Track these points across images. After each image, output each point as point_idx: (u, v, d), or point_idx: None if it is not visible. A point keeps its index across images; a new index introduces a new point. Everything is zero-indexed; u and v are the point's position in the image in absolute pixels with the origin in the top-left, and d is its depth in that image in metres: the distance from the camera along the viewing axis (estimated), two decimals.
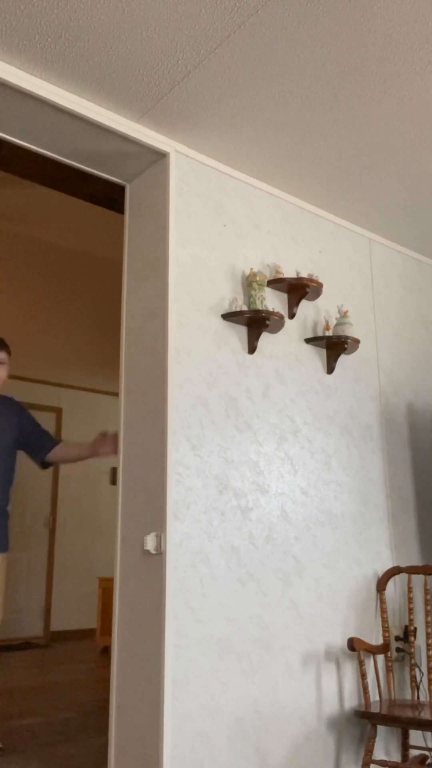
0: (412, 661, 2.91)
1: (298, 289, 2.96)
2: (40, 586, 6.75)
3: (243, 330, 2.80)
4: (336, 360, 3.08)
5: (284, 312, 2.99)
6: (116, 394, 7.43)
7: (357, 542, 3.00)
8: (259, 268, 2.94)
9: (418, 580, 3.19)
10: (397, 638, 3.00)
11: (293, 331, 3.01)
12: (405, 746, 2.84)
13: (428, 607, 2.86)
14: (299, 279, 2.92)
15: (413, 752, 2.97)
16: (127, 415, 2.67)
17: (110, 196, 3.09)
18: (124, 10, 2.10)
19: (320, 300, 3.16)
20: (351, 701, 2.80)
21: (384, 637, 2.89)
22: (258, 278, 2.78)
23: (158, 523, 2.39)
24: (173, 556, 2.35)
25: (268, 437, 2.77)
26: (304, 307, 3.07)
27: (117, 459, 2.66)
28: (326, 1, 2.07)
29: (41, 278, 4.74)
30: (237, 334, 2.78)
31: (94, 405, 7.59)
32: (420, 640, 3.08)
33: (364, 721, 2.79)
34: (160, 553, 2.35)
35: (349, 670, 2.82)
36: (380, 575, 3.04)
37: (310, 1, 2.07)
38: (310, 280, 2.93)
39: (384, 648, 2.86)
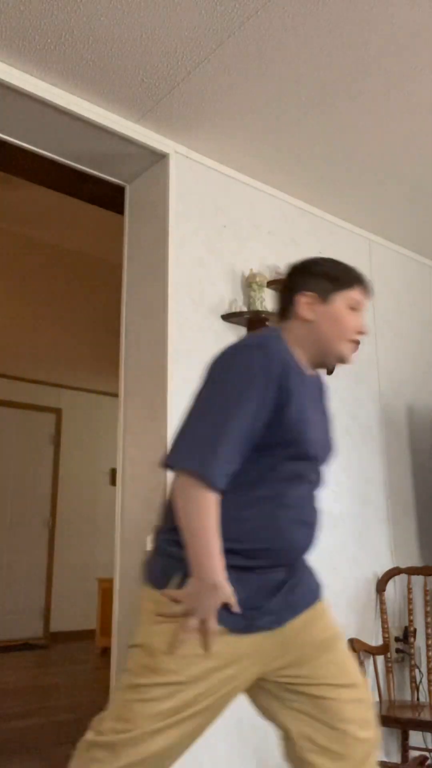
0: (412, 662, 2.90)
1: None
2: (40, 587, 6.74)
3: (243, 331, 2.80)
4: None
5: None
6: (116, 395, 7.41)
7: (357, 543, 3.00)
8: (259, 268, 2.94)
9: (417, 581, 3.19)
10: (397, 639, 3.00)
11: None
12: (405, 747, 2.84)
13: (428, 608, 2.86)
14: None
15: (413, 753, 2.97)
16: (126, 415, 2.67)
17: (110, 197, 3.08)
18: (124, 11, 2.10)
19: None
20: None
21: (384, 638, 2.89)
22: (258, 279, 2.78)
23: None
24: None
25: None
26: None
27: (117, 459, 2.66)
28: (326, 2, 2.07)
29: (41, 278, 4.74)
30: (237, 335, 2.78)
31: (94, 405, 7.57)
32: (420, 641, 3.08)
33: None
34: None
35: None
36: (380, 576, 3.04)
37: (309, 3, 2.07)
38: None
39: (384, 649, 2.86)
